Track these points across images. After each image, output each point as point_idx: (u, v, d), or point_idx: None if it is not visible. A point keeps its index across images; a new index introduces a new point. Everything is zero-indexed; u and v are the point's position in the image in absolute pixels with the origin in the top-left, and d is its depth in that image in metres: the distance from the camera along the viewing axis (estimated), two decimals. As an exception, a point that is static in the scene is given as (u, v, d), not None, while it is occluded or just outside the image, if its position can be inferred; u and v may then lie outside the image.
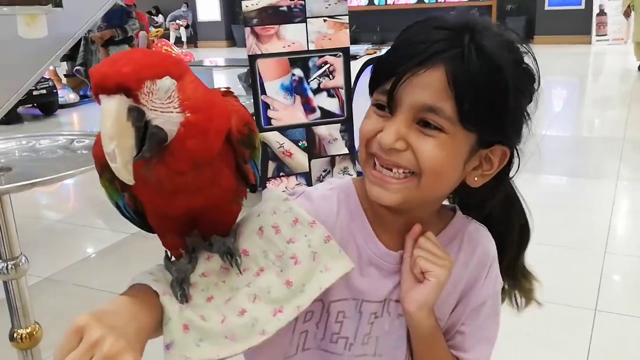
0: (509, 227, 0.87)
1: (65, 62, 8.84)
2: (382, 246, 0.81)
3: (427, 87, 0.70)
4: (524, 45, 0.76)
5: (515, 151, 0.80)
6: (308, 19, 3.71)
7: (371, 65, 4.32)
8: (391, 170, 0.75)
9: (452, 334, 0.84)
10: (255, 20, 3.65)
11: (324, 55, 3.79)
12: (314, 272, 0.73)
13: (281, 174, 3.85)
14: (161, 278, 0.72)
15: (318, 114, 3.87)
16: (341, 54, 3.81)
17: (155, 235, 0.77)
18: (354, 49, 4.75)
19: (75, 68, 8.46)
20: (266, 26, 3.67)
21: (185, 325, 0.67)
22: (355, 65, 4.22)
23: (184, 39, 17.31)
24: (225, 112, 0.69)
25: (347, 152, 3.95)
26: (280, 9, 3.66)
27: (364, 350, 0.82)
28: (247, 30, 3.71)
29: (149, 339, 0.65)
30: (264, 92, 3.74)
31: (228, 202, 0.75)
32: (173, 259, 0.76)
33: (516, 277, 0.89)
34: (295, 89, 3.80)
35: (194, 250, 0.76)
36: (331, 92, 3.87)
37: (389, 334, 0.82)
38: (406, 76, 0.70)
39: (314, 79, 3.83)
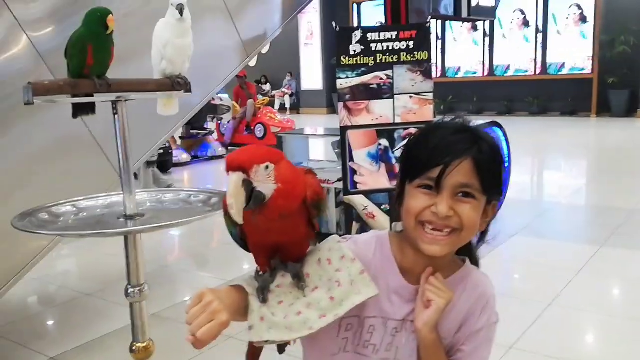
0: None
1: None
2: (404, 281, 1.12)
3: (463, 172, 1.04)
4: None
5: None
6: (395, 95, 4.11)
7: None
8: (441, 231, 1.06)
9: (455, 351, 1.13)
10: (347, 96, 4.09)
11: (408, 128, 4.15)
12: (350, 293, 1.06)
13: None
14: (250, 284, 1.08)
15: (401, 180, 4.20)
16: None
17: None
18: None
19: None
20: (357, 101, 4.10)
21: (261, 317, 1.02)
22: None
23: (287, 105, 18.40)
24: (303, 185, 1.06)
25: (428, 217, 4.22)
26: (371, 86, 4.09)
27: (387, 355, 1.12)
28: (340, 104, 4.16)
29: (235, 314, 1.01)
30: (352, 159, 4.14)
31: (300, 241, 1.11)
32: (260, 273, 1.12)
33: None
34: (381, 157, 4.17)
35: (274, 269, 1.12)
36: (414, 162, 4.20)
37: (405, 345, 1.12)
38: (449, 168, 1.04)
39: (399, 148, 4.18)
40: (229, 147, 10.34)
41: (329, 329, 1.10)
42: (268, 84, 18.69)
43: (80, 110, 1.85)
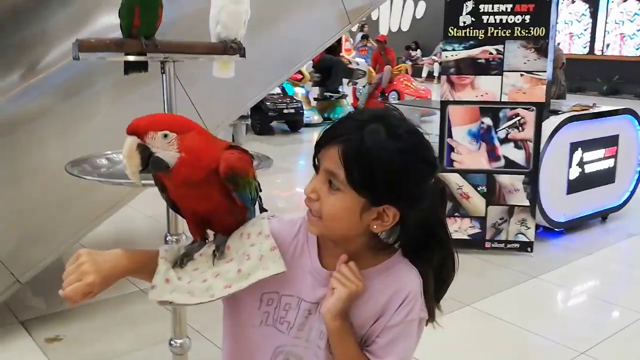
0: (432, 266, 1.10)
1: (317, 87, 10.00)
2: (319, 264, 1.11)
3: (330, 158, 1.00)
4: (418, 136, 1.02)
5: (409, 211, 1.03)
6: (504, 72, 3.86)
7: (570, 123, 4.25)
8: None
9: (371, 341, 1.08)
10: (452, 70, 3.93)
11: (516, 108, 3.90)
12: (258, 268, 1.07)
13: (455, 214, 4.03)
14: (174, 250, 1.13)
15: (502, 162, 3.97)
16: (534, 108, 3.87)
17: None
18: (561, 104, 4.70)
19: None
20: (462, 75, 3.92)
21: (166, 279, 1.08)
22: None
23: (435, 73, 17.92)
24: (212, 157, 1.07)
25: (528, 204, 3.97)
26: (478, 61, 3.88)
27: (299, 334, 1.11)
28: (443, 78, 4.01)
29: (122, 276, 1.08)
30: (450, 135, 3.99)
31: (223, 214, 1.13)
32: (191, 242, 1.18)
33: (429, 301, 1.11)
34: (482, 136, 3.97)
35: (205, 239, 1.17)
36: (519, 144, 3.95)
37: (317, 328, 1.10)
38: (321, 152, 1.02)
39: (503, 129, 3.95)
40: (362, 112, 10.38)
41: (251, 302, 1.13)
42: (418, 50, 18.34)
43: (132, 67, 2.00)
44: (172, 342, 2.15)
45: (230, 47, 2.10)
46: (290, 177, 6.63)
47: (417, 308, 1.08)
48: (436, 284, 1.11)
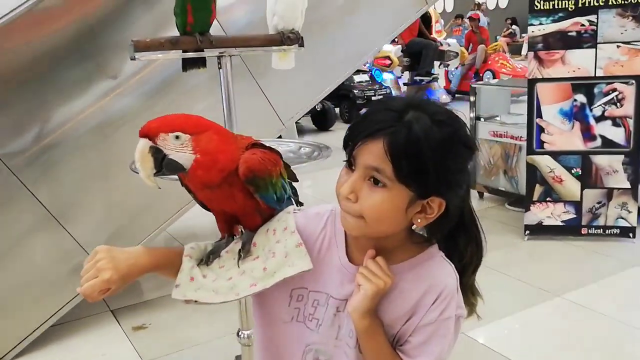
0: (469, 255, 1.04)
1: (407, 72, 9.78)
2: (346, 260, 1.05)
3: (372, 153, 0.92)
4: (459, 121, 0.95)
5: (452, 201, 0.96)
6: (598, 45, 3.56)
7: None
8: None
9: (404, 340, 1.01)
10: (540, 45, 3.67)
11: (612, 82, 3.58)
12: (283, 265, 1.03)
13: (548, 199, 3.79)
14: (200, 248, 1.12)
15: (598, 142, 3.68)
16: (634, 82, 3.54)
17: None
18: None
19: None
20: (551, 51, 3.66)
21: (191, 278, 1.05)
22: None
23: (537, 50, 17.01)
24: (231, 158, 1.03)
25: (629, 186, 3.65)
26: (569, 34, 3.60)
27: (330, 332, 1.06)
28: (530, 54, 3.76)
29: (142, 274, 1.05)
30: (539, 115, 3.74)
31: (248, 213, 1.10)
32: (219, 239, 1.15)
33: (465, 292, 1.04)
34: (576, 114, 3.69)
35: (232, 235, 1.15)
36: (617, 122, 3.63)
37: (346, 325, 1.04)
38: (358, 144, 0.94)
39: (599, 106, 3.65)
40: (455, 95, 10.05)
41: (281, 298, 1.10)
42: (514, 25, 17.44)
43: (191, 64, 2.02)
44: (240, 334, 2.17)
45: (287, 38, 2.07)
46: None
47: (453, 305, 1.00)
48: (465, 270, 1.05)
